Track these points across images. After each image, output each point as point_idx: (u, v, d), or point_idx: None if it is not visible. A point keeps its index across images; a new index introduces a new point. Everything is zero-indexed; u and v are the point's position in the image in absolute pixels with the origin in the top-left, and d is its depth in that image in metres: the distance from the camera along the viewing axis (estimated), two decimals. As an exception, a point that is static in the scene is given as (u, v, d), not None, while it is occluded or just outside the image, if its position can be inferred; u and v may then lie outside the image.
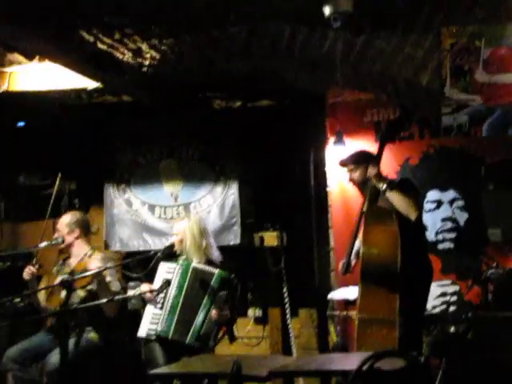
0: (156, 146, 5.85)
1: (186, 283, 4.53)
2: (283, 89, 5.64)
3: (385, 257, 4.16)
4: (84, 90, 5.28)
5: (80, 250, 4.92)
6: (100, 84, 5.10)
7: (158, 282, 4.57)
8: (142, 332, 4.52)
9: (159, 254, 4.66)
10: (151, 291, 4.50)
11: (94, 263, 4.50)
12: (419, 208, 4.45)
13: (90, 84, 5.10)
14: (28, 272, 4.66)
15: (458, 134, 5.42)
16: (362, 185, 4.52)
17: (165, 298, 4.54)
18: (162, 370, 3.70)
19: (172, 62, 4.87)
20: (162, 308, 4.53)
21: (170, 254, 4.74)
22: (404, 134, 5.60)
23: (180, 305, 4.49)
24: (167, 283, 4.47)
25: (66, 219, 4.95)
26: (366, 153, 4.67)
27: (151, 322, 4.52)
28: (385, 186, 4.23)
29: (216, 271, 4.53)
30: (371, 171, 4.31)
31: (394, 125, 4.76)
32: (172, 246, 4.72)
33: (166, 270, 4.62)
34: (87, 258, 4.93)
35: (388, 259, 4.14)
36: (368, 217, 4.28)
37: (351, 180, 4.63)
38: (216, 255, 4.77)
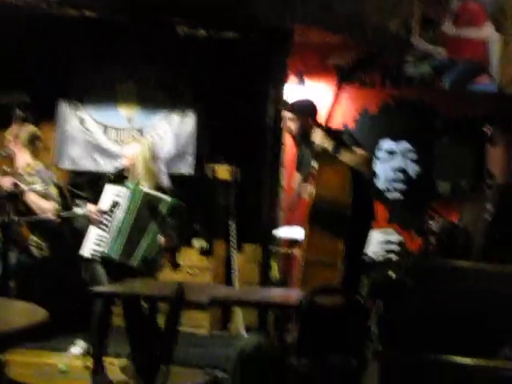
0: (115, 67, 5.71)
1: (135, 207, 4.48)
2: (250, 22, 5.54)
3: (336, 199, 4.18)
4: (44, 0, 5.08)
5: (22, 160, 4.90)
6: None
7: (103, 204, 4.52)
8: (85, 252, 4.49)
9: (109, 176, 4.60)
10: (99, 211, 4.45)
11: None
12: (370, 163, 4.44)
13: (52, -6, 4.92)
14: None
15: (419, 84, 5.46)
16: (298, 137, 4.39)
17: (111, 220, 4.50)
18: (105, 288, 3.70)
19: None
20: (106, 230, 4.49)
21: (118, 177, 4.68)
22: (366, 82, 5.62)
23: (128, 228, 4.46)
24: (116, 205, 4.43)
25: (13, 130, 4.96)
26: (311, 104, 4.44)
27: (95, 242, 4.49)
28: (331, 149, 4.18)
29: (166, 197, 4.50)
30: (316, 136, 4.19)
31: (354, 65, 4.69)
32: (123, 169, 4.64)
33: (112, 193, 4.56)
34: (27, 168, 4.90)
35: (339, 202, 4.17)
36: (322, 158, 4.27)
37: (287, 129, 4.41)
38: (165, 182, 4.73)
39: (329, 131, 4.28)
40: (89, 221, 4.52)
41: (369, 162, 4.39)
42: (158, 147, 5.13)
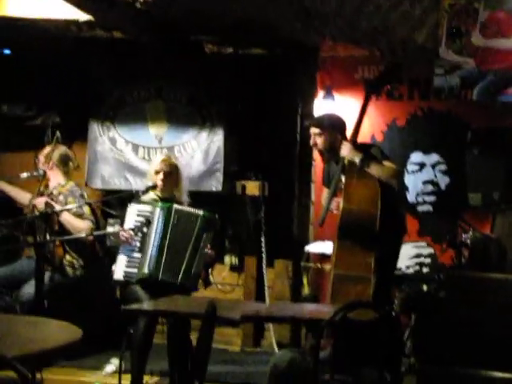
0: (144, 86, 5.78)
1: (171, 224, 4.43)
2: (276, 39, 5.58)
3: (364, 213, 4.17)
4: (74, 22, 5.17)
5: (55, 180, 4.97)
6: (91, 17, 5.00)
7: (128, 224, 4.41)
8: (118, 275, 4.40)
9: (141, 194, 4.61)
10: (132, 229, 4.39)
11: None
12: (399, 177, 4.44)
13: (81, 16, 5.00)
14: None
15: (448, 96, 5.42)
16: (326, 152, 4.38)
17: (144, 239, 4.40)
18: (136, 306, 3.72)
19: (166, 2, 4.79)
20: (141, 250, 4.39)
21: (147, 195, 4.65)
22: (394, 94, 5.61)
23: (166, 246, 4.38)
24: (147, 224, 4.39)
25: (45, 151, 5.04)
26: (338, 118, 4.46)
27: (127, 265, 4.39)
28: (359, 163, 4.15)
29: (201, 212, 4.49)
30: (344, 149, 4.18)
31: (379, 77, 4.67)
32: (155, 185, 4.61)
33: (136, 213, 4.44)
34: (59, 188, 4.97)
35: (367, 215, 4.15)
36: (350, 172, 4.26)
37: (314, 144, 4.39)
38: (186, 197, 4.73)
39: (357, 145, 4.28)
40: (120, 241, 4.47)
41: (398, 174, 4.37)
42: (187, 165, 5.17)
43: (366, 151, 4.24)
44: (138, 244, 4.41)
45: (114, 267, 4.46)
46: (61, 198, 4.93)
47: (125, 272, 4.39)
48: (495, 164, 4.92)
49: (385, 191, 4.18)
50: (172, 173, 4.60)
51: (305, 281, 5.53)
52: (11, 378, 2.17)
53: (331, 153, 4.36)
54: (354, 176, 4.23)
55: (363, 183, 4.21)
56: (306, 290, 5.49)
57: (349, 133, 4.40)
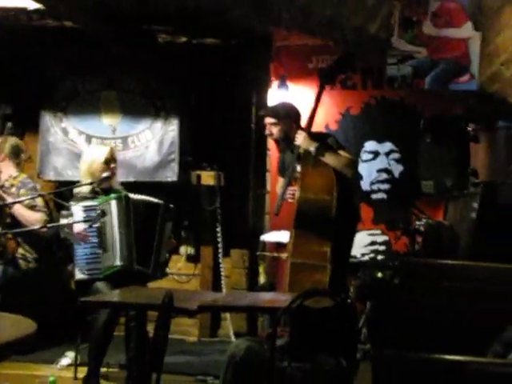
0: (97, 76, 5.70)
1: (131, 214, 4.35)
2: (230, 28, 5.55)
3: (320, 202, 4.19)
4: (24, 11, 5.07)
5: (6, 172, 4.89)
6: (41, 6, 4.90)
7: (78, 224, 4.29)
8: (81, 275, 4.29)
9: (95, 185, 4.55)
10: (85, 221, 4.31)
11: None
12: (354, 166, 4.50)
13: (31, 5, 4.90)
14: None
15: (400, 85, 5.49)
16: (281, 141, 4.40)
17: (102, 233, 4.29)
18: (92, 298, 3.68)
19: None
20: (101, 245, 4.28)
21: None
22: (348, 83, 5.65)
23: (131, 236, 4.32)
24: (102, 215, 4.31)
25: None
26: (292, 108, 4.45)
27: (89, 261, 4.30)
28: (314, 152, 4.17)
29: (159, 201, 4.46)
30: (299, 139, 4.19)
31: (333, 67, 4.69)
32: (108, 177, 4.54)
33: (82, 209, 4.33)
34: (11, 180, 4.89)
35: (323, 204, 4.18)
36: (306, 161, 4.28)
37: (269, 134, 4.40)
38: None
39: (312, 134, 4.30)
40: (74, 239, 4.35)
41: (352, 164, 4.41)
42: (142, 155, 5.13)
43: (322, 141, 4.27)
44: (96, 239, 4.33)
45: (71, 267, 4.37)
46: (13, 190, 4.85)
47: (88, 270, 4.30)
48: (447, 151, 5.00)
49: (339, 180, 4.21)
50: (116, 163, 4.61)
51: (261, 270, 5.55)
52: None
53: (286, 142, 4.37)
54: (309, 165, 4.25)
55: (318, 172, 4.23)
56: (262, 279, 5.52)
57: (304, 122, 4.41)
